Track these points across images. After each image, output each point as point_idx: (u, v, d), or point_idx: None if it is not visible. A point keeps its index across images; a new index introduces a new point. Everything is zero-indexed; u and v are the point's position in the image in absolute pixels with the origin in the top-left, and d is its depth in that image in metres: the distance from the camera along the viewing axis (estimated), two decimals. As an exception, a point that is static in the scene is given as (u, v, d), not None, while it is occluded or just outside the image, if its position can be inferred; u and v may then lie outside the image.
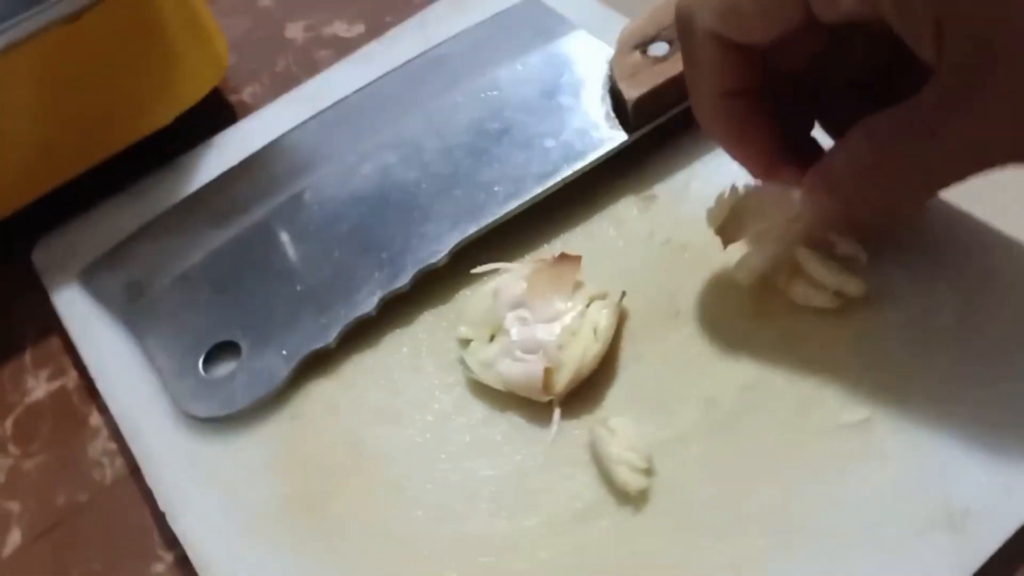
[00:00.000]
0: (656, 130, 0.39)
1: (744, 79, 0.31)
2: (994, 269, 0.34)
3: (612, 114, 0.39)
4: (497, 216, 0.38)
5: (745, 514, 0.31)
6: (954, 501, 0.30)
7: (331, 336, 0.37)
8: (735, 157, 0.33)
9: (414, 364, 0.37)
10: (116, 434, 0.39)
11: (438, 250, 0.38)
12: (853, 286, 0.34)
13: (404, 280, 0.38)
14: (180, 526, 0.35)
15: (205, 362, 0.38)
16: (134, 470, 0.38)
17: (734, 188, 0.34)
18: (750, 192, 0.34)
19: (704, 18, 0.30)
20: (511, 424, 0.35)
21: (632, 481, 0.32)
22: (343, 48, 0.50)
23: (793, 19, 0.29)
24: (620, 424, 0.33)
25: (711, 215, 0.35)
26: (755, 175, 0.34)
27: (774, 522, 0.31)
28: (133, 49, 0.43)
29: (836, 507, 0.30)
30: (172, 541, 0.35)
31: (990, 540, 0.29)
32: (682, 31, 0.31)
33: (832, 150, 0.31)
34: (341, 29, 0.52)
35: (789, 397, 0.33)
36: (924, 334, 0.33)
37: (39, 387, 0.41)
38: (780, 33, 0.29)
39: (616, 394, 0.35)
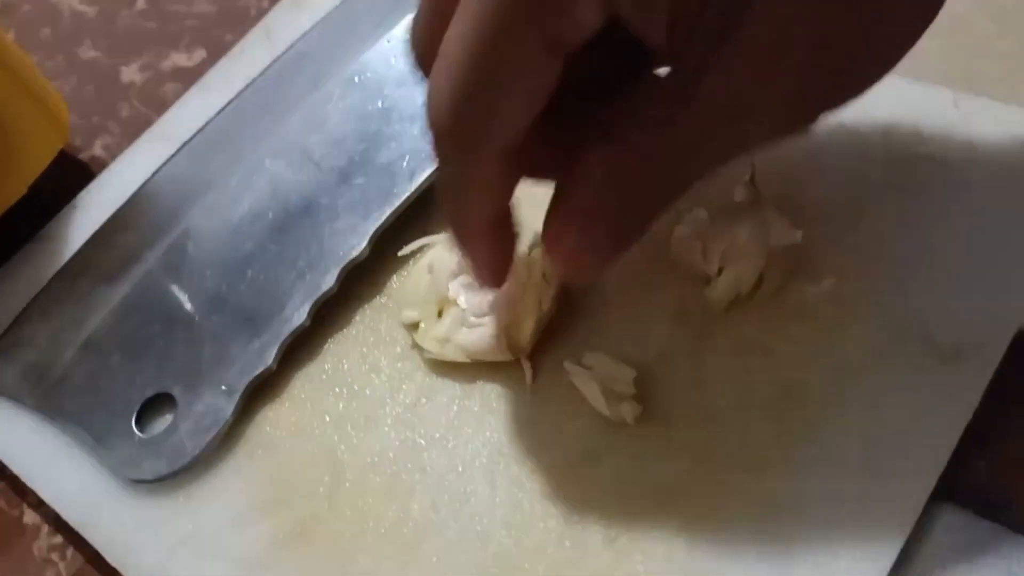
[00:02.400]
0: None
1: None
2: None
3: (495, 65, 0.38)
4: (408, 194, 0.37)
5: (749, 406, 0.31)
6: (937, 339, 0.30)
7: (270, 358, 0.35)
8: (484, 269, 0.30)
9: (366, 363, 0.35)
10: (60, 526, 0.35)
11: (356, 243, 0.36)
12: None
13: (330, 282, 0.35)
14: (164, 598, 0.32)
15: (138, 423, 0.35)
16: (91, 558, 0.34)
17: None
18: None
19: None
20: (485, 393, 0.33)
21: (624, 411, 0.31)
22: (189, 77, 0.47)
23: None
24: (595, 358, 0.32)
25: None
26: (494, 285, 0.31)
27: (781, 407, 0.30)
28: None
29: (834, 371, 0.30)
30: (157, 618, 0.32)
31: (983, 371, 0.29)
32: (467, 141, 0.26)
33: (569, 190, 0.26)
34: (181, 60, 0.49)
35: (755, 286, 0.33)
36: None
37: (-48, 505, 0.37)
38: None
39: (581, 332, 0.33)
